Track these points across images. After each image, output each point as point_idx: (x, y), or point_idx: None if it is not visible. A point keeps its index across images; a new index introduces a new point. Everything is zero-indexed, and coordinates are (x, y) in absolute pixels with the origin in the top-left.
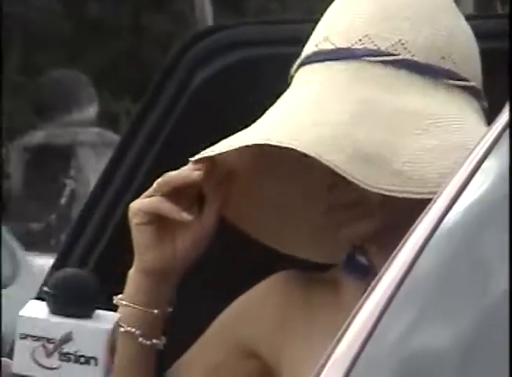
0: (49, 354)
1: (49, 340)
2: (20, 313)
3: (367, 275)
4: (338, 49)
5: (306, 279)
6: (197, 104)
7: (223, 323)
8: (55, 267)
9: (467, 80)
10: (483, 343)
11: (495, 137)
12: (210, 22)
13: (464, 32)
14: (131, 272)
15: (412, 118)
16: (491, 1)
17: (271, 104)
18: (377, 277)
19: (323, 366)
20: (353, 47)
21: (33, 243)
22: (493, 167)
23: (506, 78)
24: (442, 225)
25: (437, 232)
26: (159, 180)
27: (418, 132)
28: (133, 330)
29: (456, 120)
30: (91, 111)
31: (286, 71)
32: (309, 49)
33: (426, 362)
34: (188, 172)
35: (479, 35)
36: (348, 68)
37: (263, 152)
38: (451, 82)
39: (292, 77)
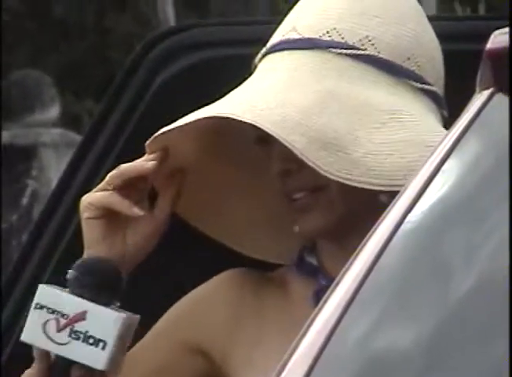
0: (60, 329)
1: (63, 315)
2: (41, 285)
3: (317, 275)
4: (305, 39)
5: (256, 277)
6: (158, 104)
7: (169, 320)
8: (15, 268)
9: (430, 84)
10: (446, 343)
11: (456, 138)
12: (172, 23)
13: (430, 37)
14: None
15: (374, 111)
16: (451, 2)
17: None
18: (338, 277)
19: (284, 365)
20: (320, 38)
21: None
22: (454, 168)
23: (465, 79)
24: (403, 226)
25: (399, 233)
26: (112, 172)
27: (378, 125)
28: None
29: (416, 118)
30: (53, 111)
31: (247, 72)
32: (275, 38)
33: (389, 362)
34: (141, 162)
35: (442, 37)
36: (314, 58)
37: (217, 141)
38: (415, 84)
39: (255, 66)
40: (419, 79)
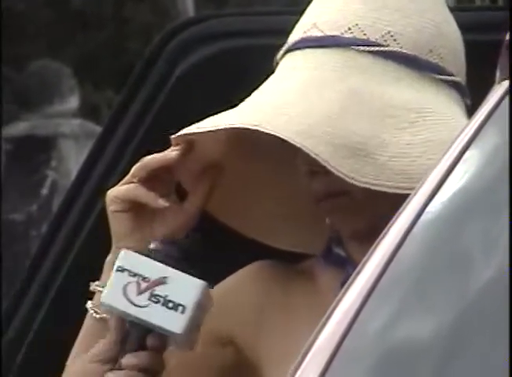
0: (140, 292)
1: (144, 279)
2: (124, 249)
3: (345, 266)
4: (327, 37)
5: (283, 268)
6: (178, 94)
7: None
8: (36, 258)
9: (453, 75)
10: (465, 335)
11: (478, 127)
12: (191, 13)
13: (451, 27)
14: (108, 259)
15: (399, 111)
16: None
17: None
18: (357, 268)
19: (303, 358)
20: (342, 35)
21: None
22: (474, 159)
23: (485, 69)
24: (424, 216)
25: (419, 223)
26: (137, 165)
27: (404, 125)
28: (109, 317)
29: (443, 116)
30: (73, 102)
31: (266, 63)
32: (296, 35)
33: (408, 353)
34: (165, 154)
35: (461, 27)
36: (336, 56)
37: (241, 137)
38: (438, 76)
39: (277, 64)
40: (442, 71)
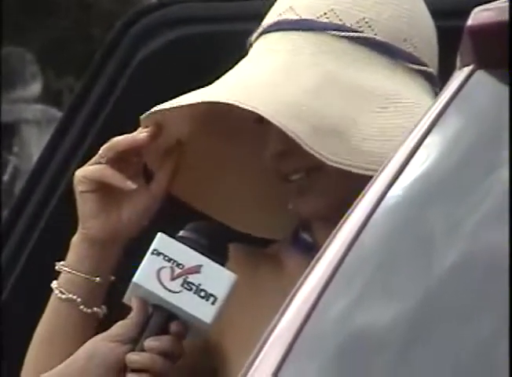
0: (173, 277)
1: (178, 265)
2: (161, 233)
3: (311, 252)
4: (302, 20)
5: (252, 253)
6: (139, 80)
7: None
8: None
9: (426, 65)
10: (429, 320)
11: (439, 112)
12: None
13: (426, 17)
14: (74, 239)
15: (372, 95)
16: None
17: (213, 81)
18: (319, 253)
19: (265, 342)
20: (318, 20)
21: None
22: (436, 143)
23: (449, 56)
24: (385, 200)
25: (380, 207)
26: (105, 145)
27: (377, 110)
28: (75, 297)
29: (414, 103)
30: (35, 88)
31: (228, 48)
32: (271, 18)
33: (370, 338)
34: (133, 135)
35: (433, 13)
36: (311, 40)
37: (209, 119)
38: (411, 65)
39: (251, 45)
40: (416, 60)
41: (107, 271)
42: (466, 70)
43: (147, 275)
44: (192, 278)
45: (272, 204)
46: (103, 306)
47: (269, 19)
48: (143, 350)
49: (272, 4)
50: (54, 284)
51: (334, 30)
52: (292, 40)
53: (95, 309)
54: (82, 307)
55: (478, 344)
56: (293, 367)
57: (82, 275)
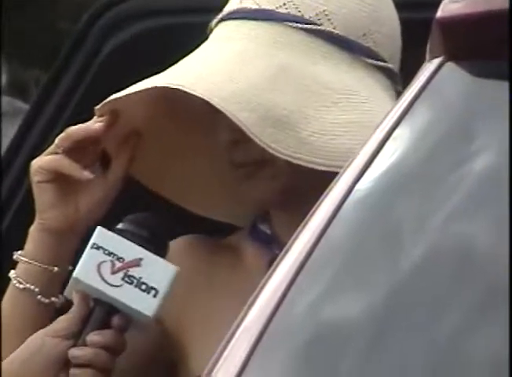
0: (114, 271)
1: (119, 258)
2: (99, 227)
3: (270, 243)
4: (262, 10)
5: (209, 243)
6: (106, 72)
7: None
8: None
9: (385, 61)
10: (397, 312)
11: (407, 105)
12: None
13: (389, 12)
14: (32, 229)
15: (325, 89)
16: None
17: None
18: (286, 246)
19: (231, 336)
20: (277, 10)
21: None
22: (404, 135)
23: (419, 48)
24: (353, 194)
25: (348, 201)
26: (61, 135)
27: (329, 104)
28: (32, 287)
29: (368, 99)
30: (1, 79)
31: (192, 40)
32: (231, 5)
33: (338, 331)
34: (89, 124)
35: (399, 6)
36: (270, 31)
37: (169, 104)
38: (369, 60)
39: (211, 30)
40: (374, 56)
41: (66, 260)
42: (436, 62)
43: (87, 269)
44: (132, 271)
45: (229, 190)
46: (60, 296)
47: (230, 6)
48: (85, 345)
49: None
50: (12, 274)
51: (292, 21)
52: (249, 29)
53: (52, 298)
54: (39, 297)
55: (446, 336)
56: (261, 360)
57: (40, 265)
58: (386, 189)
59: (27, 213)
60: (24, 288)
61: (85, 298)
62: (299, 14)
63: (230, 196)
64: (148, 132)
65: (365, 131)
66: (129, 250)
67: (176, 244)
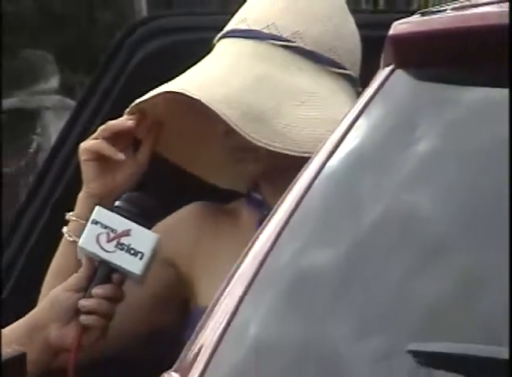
0: (109, 240)
1: (112, 230)
2: (98, 206)
3: (261, 207)
4: (250, 30)
5: (215, 208)
6: (136, 78)
7: None
8: (23, 204)
9: (347, 69)
10: (360, 261)
11: (366, 101)
12: (145, 13)
13: (350, 30)
14: (80, 195)
15: (295, 92)
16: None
17: None
18: (273, 210)
19: (230, 279)
20: (262, 31)
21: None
22: (365, 124)
23: (376, 59)
24: (324, 170)
25: (321, 175)
26: (102, 126)
27: (298, 103)
28: (78, 239)
29: (330, 99)
30: (54, 82)
31: (205, 52)
32: (230, 26)
33: (313, 278)
34: (123, 121)
35: (359, 25)
36: (256, 47)
37: (185, 100)
38: (334, 69)
39: (214, 45)
40: (338, 66)
41: None
42: (388, 69)
43: (88, 240)
44: (123, 240)
45: (231, 166)
46: None
47: (228, 27)
48: (91, 297)
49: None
50: (64, 229)
51: (273, 39)
52: (241, 45)
53: None
54: None
55: (396, 281)
56: (253, 297)
57: (85, 222)
58: (350, 167)
59: (77, 184)
60: (73, 240)
61: (90, 260)
62: (278, 34)
63: (231, 170)
64: (170, 123)
65: (325, 125)
66: (121, 223)
67: (189, 208)
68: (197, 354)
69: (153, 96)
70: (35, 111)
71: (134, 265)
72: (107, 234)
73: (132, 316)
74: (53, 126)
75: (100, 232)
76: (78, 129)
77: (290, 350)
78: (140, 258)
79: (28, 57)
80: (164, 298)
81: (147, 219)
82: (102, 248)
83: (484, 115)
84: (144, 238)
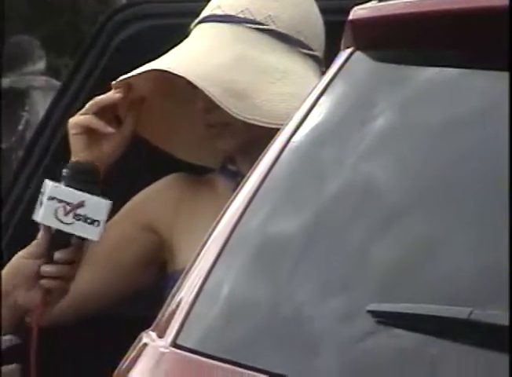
0: (66, 213)
1: (68, 203)
2: (48, 181)
3: (235, 178)
4: (226, 15)
5: (193, 179)
6: (116, 59)
7: (128, 207)
8: (14, 175)
9: (313, 50)
10: (322, 227)
11: (329, 80)
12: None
13: (316, 16)
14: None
15: (271, 70)
16: None
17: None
18: (243, 180)
19: (207, 241)
20: (237, 15)
21: None
22: (327, 102)
23: (337, 41)
24: (290, 144)
25: (287, 149)
26: (90, 102)
27: (273, 80)
28: None
29: (300, 77)
30: (41, 64)
31: (181, 37)
32: (205, 12)
33: (279, 243)
34: (111, 94)
35: (322, 11)
36: (232, 30)
37: (164, 80)
38: (303, 50)
39: (191, 30)
40: (306, 47)
41: None
42: (348, 51)
43: (47, 215)
44: (79, 211)
45: (205, 142)
46: None
47: (204, 13)
48: (52, 262)
49: (208, 2)
50: None
51: (248, 23)
52: (218, 29)
53: None
54: None
55: (355, 244)
56: (226, 259)
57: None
58: (314, 141)
59: (64, 154)
60: None
61: (47, 228)
62: (252, 18)
63: (206, 147)
64: (151, 100)
65: (298, 100)
66: (75, 196)
67: (169, 178)
68: (173, 314)
69: (140, 73)
70: (24, 91)
71: (92, 233)
72: (64, 208)
73: (116, 277)
74: (41, 105)
75: (56, 206)
76: (62, 106)
77: (259, 310)
78: (97, 226)
79: (18, 42)
80: (145, 261)
81: (97, 186)
82: (61, 221)
83: (437, 93)
84: (97, 206)
